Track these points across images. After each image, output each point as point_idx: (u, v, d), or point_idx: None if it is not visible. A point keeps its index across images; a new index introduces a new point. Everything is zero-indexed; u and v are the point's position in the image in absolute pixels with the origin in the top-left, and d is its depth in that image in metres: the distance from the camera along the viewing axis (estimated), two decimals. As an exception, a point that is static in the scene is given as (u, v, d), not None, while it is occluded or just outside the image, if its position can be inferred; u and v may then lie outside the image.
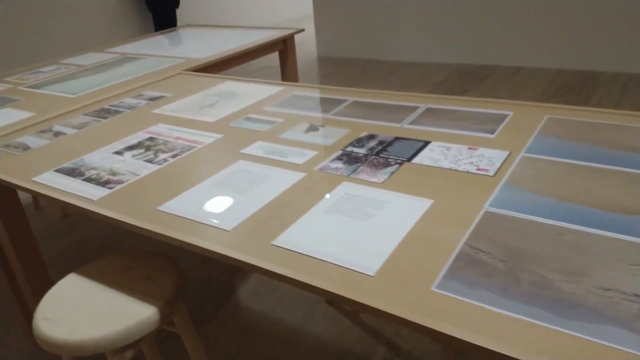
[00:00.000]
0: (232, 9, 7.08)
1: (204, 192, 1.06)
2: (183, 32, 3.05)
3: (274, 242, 0.86)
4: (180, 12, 6.38)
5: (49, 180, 1.19)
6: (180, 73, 2.10)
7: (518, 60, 4.59)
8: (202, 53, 2.41)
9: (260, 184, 1.06)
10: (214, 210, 0.98)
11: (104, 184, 1.14)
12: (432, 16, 4.85)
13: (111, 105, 1.73)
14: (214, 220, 0.94)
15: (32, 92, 2.00)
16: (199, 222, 0.95)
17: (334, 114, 1.45)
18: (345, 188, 1.01)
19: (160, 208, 1.01)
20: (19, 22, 4.65)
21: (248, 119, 1.49)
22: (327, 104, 1.54)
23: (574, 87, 3.92)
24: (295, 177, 1.08)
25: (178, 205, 1.02)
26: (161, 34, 3.09)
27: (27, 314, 1.76)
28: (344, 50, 5.58)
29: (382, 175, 1.04)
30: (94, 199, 1.08)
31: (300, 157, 1.18)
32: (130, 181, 1.15)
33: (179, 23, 6.28)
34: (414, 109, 1.42)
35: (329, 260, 0.79)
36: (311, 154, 1.19)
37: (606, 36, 4.13)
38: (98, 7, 5.38)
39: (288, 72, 2.83)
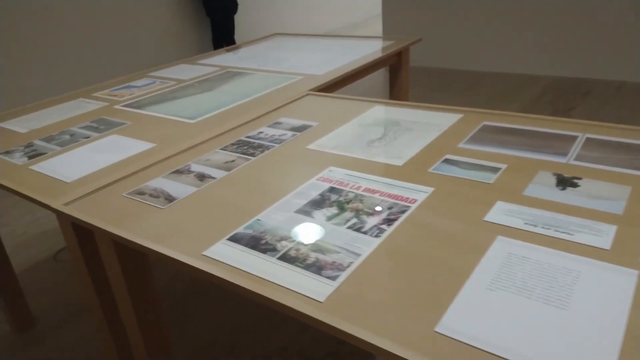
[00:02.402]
0: (289, 15, 6.79)
1: (488, 299, 0.70)
2: (275, 43, 2.72)
3: None
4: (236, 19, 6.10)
5: (228, 256, 0.85)
6: (308, 94, 1.75)
7: (619, 74, 4.13)
8: (317, 68, 2.07)
9: (573, 289, 0.70)
10: (541, 346, 0.62)
11: (317, 269, 0.79)
12: (520, 24, 4.43)
13: (249, 137, 1.39)
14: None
15: (135, 113, 1.68)
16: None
17: (577, 159, 1.07)
18: None
19: (439, 330, 0.65)
20: (72, 36, 4.43)
21: (450, 162, 1.13)
22: (547, 141, 1.17)
23: (701, 106, 3.45)
24: (626, 278, 0.71)
25: (463, 324, 0.66)
26: (251, 44, 2.77)
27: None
28: (418, 58, 5.20)
29: None
30: (321, 300, 0.73)
31: (594, 234, 0.81)
32: (353, 266, 0.79)
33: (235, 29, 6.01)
34: (703, 157, 1.04)
35: None
36: (607, 229, 0.82)
37: None
38: (153, 16, 5.15)
39: (398, 90, 2.48)
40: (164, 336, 1.22)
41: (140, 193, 1.12)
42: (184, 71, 2.23)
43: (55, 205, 1.09)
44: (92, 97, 1.95)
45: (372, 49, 2.33)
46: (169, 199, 1.08)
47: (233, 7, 5.43)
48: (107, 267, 1.13)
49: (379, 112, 1.50)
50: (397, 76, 2.43)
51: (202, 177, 1.18)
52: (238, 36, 5.95)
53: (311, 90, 1.79)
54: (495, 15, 4.54)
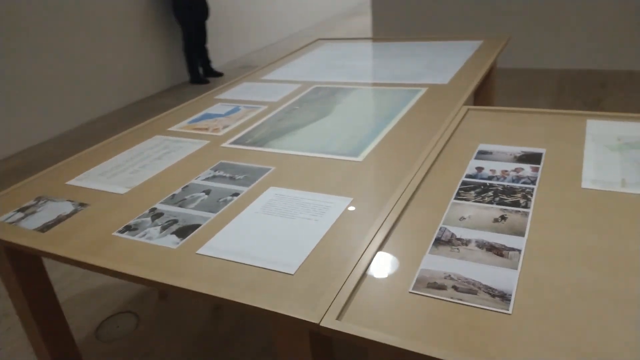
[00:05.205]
0: (259, 18, 6.36)
1: None
2: (329, 50, 2.35)
3: None
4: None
5: None
6: (468, 110, 1.42)
7: (623, 64, 4.12)
8: (433, 77, 1.74)
9: None
10: None
11: None
12: (522, 18, 4.32)
13: (472, 177, 1.04)
14: None
15: (262, 152, 1.27)
16: None
17: None
18: None
19: None
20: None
21: None
22: None
23: None
24: None
25: None
26: (298, 53, 2.38)
27: None
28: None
29: None
30: None
31: None
32: None
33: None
34: None
35: None
36: None
37: None
38: (121, 28, 4.59)
39: (485, 95, 2.20)
40: None
41: (435, 286, 0.74)
42: (257, 91, 1.82)
43: (328, 323, 0.69)
44: (170, 132, 1.50)
45: (462, 50, 2.03)
46: (496, 294, 0.72)
47: (204, 13, 4.97)
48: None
49: (605, 128, 1.20)
50: (485, 80, 2.15)
51: (494, 249, 0.82)
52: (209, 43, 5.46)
53: (467, 104, 1.46)
54: (498, 8, 4.41)
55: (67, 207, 1.10)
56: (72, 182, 1.22)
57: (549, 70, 4.37)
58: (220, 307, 1.90)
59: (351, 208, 0.98)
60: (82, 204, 1.10)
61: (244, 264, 0.85)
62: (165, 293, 2.05)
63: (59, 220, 1.05)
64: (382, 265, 0.81)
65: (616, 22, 4.12)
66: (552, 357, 0.61)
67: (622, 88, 3.74)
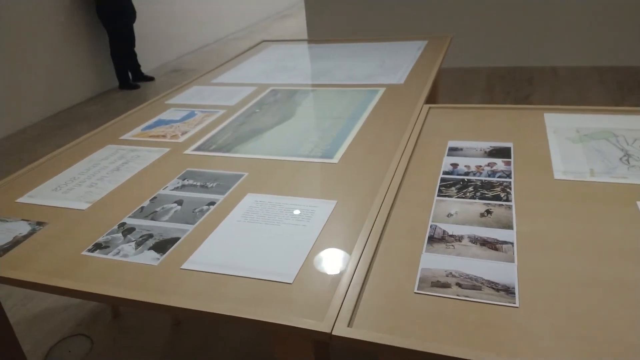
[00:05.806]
0: (186, 23, 6.17)
1: None
2: (275, 52, 2.32)
3: None
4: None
5: None
6: (430, 108, 1.44)
7: (546, 61, 4.42)
8: (387, 78, 1.76)
9: None
10: None
11: None
12: (453, 19, 4.51)
13: (449, 173, 1.05)
14: None
15: (230, 158, 1.22)
16: None
17: None
18: None
19: None
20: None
21: None
22: None
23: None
24: None
25: None
26: (244, 56, 2.33)
27: None
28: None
29: None
30: None
31: None
32: None
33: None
34: None
35: None
36: None
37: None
38: (43, 30, 4.30)
39: (430, 94, 2.26)
40: None
41: (439, 284, 0.74)
42: (209, 95, 1.75)
43: (341, 331, 0.67)
44: (123, 141, 1.40)
45: (410, 50, 2.08)
46: (499, 288, 0.73)
47: (131, 16, 4.76)
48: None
49: (563, 120, 1.26)
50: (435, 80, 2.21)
51: (487, 243, 0.83)
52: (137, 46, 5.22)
53: (428, 103, 1.48)
54: (428, 10, 4.56)
55: (22, 228, 0.99)
56: (23, 199, 1.11)
57: (478, 69, 4.59)
58: (180, 323, 1.81)
59: (337, 210, 0.96)
60: (39, 223, 1.00)
61: (236, 276, 0.80)
62: (118, 311, 1.93)
63: (16, 242, 0.94)
64: (382, 267, 0.80)
65: (538, 20, 4.40)
66: (565, 345, 0.63)
67: (547, 83, 3.99)
